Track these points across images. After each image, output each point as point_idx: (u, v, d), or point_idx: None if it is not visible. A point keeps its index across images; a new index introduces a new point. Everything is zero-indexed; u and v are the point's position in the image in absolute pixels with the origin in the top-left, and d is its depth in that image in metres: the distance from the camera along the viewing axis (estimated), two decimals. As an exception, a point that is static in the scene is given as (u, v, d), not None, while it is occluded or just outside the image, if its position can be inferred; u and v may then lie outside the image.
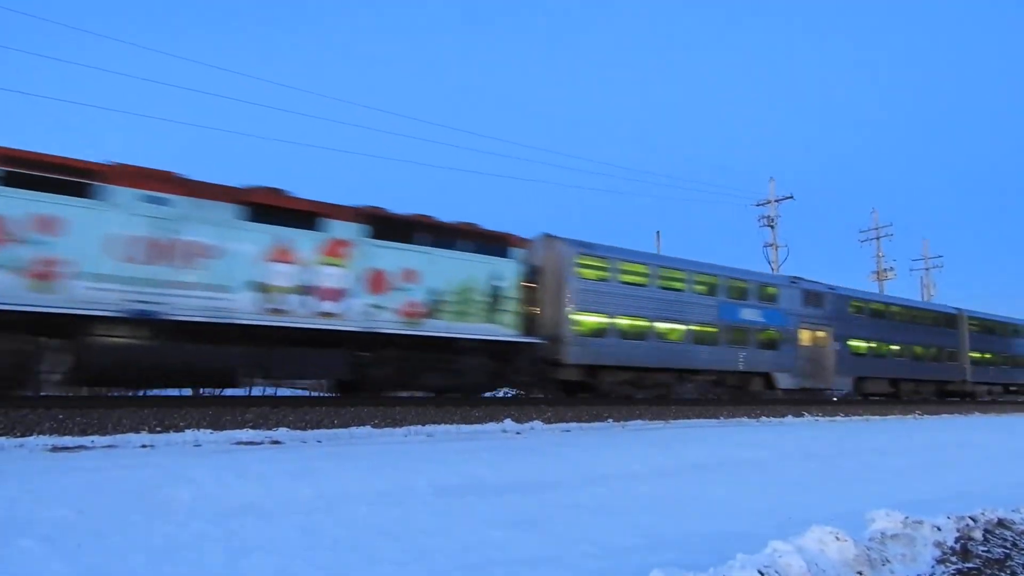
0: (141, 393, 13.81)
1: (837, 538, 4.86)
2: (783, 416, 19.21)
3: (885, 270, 42.49)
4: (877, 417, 21.79)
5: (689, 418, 17.02)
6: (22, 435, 9.36)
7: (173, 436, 9.98)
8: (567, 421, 14.81)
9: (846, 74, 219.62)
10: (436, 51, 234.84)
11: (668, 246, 41.76)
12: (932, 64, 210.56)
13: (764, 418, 18.39)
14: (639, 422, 15.57)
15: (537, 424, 13.80)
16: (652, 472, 8.65)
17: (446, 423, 13.21)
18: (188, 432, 10.36)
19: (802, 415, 19.97)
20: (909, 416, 23.09)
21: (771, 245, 36.38)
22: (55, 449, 8.59)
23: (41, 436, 9.42)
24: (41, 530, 4.92)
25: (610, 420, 15.38)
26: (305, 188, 14.33)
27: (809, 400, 23.28)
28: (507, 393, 22.90)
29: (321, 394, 15.87)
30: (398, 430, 12.16)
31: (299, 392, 18.90)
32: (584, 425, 14.40)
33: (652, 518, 6.38)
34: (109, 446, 9.03)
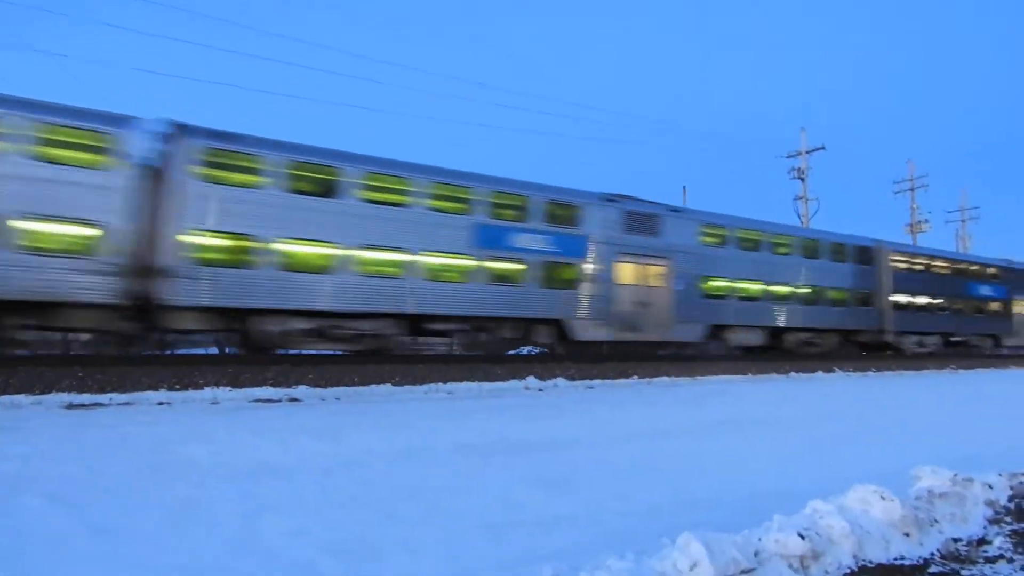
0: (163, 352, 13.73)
1: (882, 497, 4.54)
2: (813, 372, 18.80)
3: (920, 222, 41.35)
4: (911, 372, 21.27)
5: (716, 375, 16.67)
6: (41, 392, 9.31)
7: (191, 394, 9.88)
8: (591, 378, 14.55)
9: (879, 20, 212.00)
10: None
11: (695, 201, 40.83)
12: (966, 9, 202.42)
13: (794, 374, 18.00)
14: (665, 379, 15.28)
15: (560, 381, 13.57)
16: (680, 429, 8.36)
17: (468, 381, 13.01)
18: (207, 390, 10.26)
19: (832, 371, 19.54)
20: (945, 370, 22.53)
21: (801, 198, 35.45)
22: (71, 407, 8.50)
23: (60, 393, 9.36)
24: (49, 487, 4.76)
25: (635, 377, 15.10)
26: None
27: (841, 356, 22.78)
28: (531, 350, 22.72)
29: (342, 352, 15.70)
30: (419, 387, 11.98)
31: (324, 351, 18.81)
32: (609, 382, 14.14)
33: (682, 476, 6.11)
34: (126, 403, 8.94)
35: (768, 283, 22.08)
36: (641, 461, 6.53)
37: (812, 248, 23.84)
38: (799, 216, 35.21)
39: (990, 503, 5.22)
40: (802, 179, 35.58)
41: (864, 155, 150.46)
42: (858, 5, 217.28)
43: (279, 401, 9.97)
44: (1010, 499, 5.34)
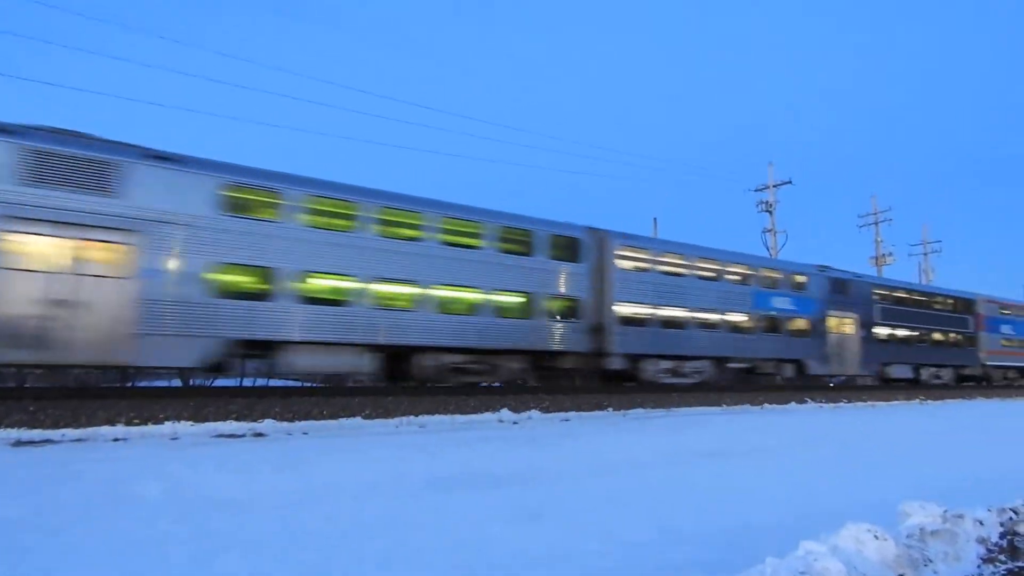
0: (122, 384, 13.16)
1: (876, 536, 4.35)
2: (786, 403, 18.78)
3: (884, 255, 42.10)
4: (882, 403, 21.38)
5: (691, 406, 16.55)
6: (-12, 428, 8.81)
7: (150, 428, 9.45)
8: (565, 410, 14.33)
9: (847, 57, 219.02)
10: (422, 30, 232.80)
11: (665, 232, 41.14)
12: (931, 47, 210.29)
13: (767, 405, 17.95)
14: (640, 411, 15.11)
15: (535, 414, 13.32)
16: (660, 460, 8.16)
17: (440, 413, 12.71)
18: (167, 424, 9.85)
19: (805, 402, 19.55)
20: (914, 401, 22.71)
21: (770, 231, 35.94)
22: (19, 443, 8.04)
23: (9, 429, 8.88)
24: (-14, 531, 4.39)
25: (610, 409, 14.90)
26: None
27: (811, 386, 22.85)
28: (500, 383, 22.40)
29: (311, 384, 15.29)
30: (390, 421, 11.67)
31: (289, 383, 18.32)
32: (583, 414, 13.92)
33: (663, 509, 5.88)
34: (79, 439, 8.49)
35: (371, 279, 14.51)
36: (620, 494, 6.29)
37: (462, 231, 16.16)
38: (767, 248, 35.67)
39: (982, 540, 5.06)
40: (770, 212, 36.14)
41: (831, 189, 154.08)
42: (828, 38, 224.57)
43: (243, 436, 9.58)
44: (1001, 536, 5.20)
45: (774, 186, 36.54)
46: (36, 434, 8.64)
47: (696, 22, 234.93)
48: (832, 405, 19.43)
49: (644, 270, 19.31)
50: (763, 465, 8.21)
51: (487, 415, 12.92)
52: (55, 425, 9.26)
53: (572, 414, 13.78)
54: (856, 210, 59.50)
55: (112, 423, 9.75)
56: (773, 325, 22.40)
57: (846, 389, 24.23)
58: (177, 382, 16.10)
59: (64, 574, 3.77)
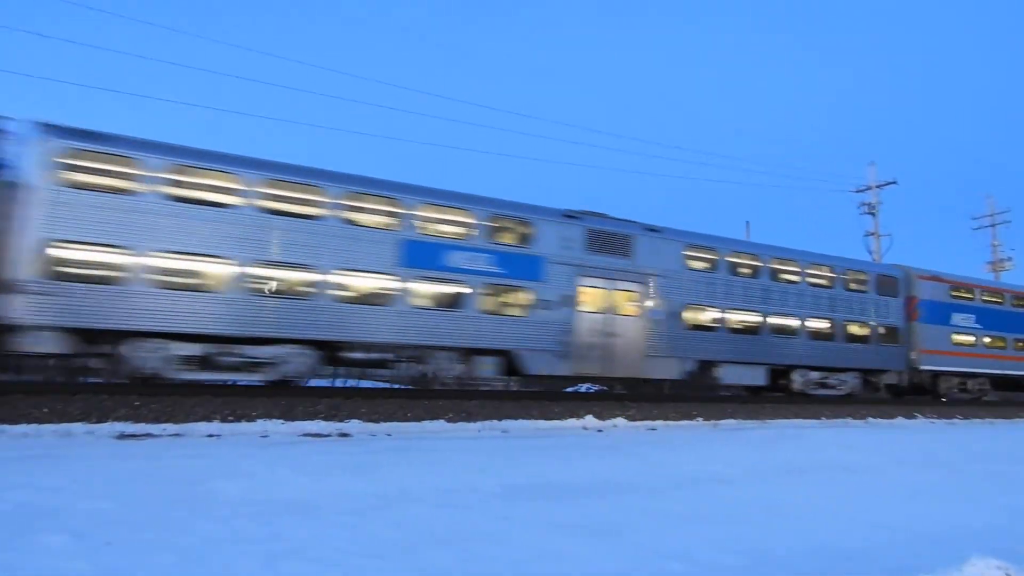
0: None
1: (1007, 574, 3.87)
2: (892, 418, 17.56)
3: (1002, 260, 38.88)
4: (1002, 420, 19.67)
5: (787, 418, 15.72)
6: (97, 421, 9.34)
7: (242, 426, 9.77)
8: (652, 419, 13.90)
9: (954, 48, 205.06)
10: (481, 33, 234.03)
11: (759, 236, 39.57)
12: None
13: (871, 419, 16.83)
14: (732, 421, 14.47)
15: (620, 421, 12.98)
16: (748, 476, 7.69)
17: (523, 418, 12.58)
18: (259, 422, 10.16)
19: (914, 416, 18.23)
20: (1039, 420, 20.76)
21: (872, 234, 33.88)
22: (122, 436, 8.47)
23: (115, 423, 9.37)
24: (74, 523, 4.56)
25: (699, 419, 14.34)
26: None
27: (923, 401, 21.31)
28: (589, 388, 22.06)
29: (396, 386, 15.53)
30: (472, 425, 11.63)
31: (377, 384, 18.69)
32: (671, 423, 13.46)
33: (750, 529, 5.50)
34: (176, 435, 8.86)
35: None
36: (705, 511, 5.94)
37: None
38: (870, 253, 33.61)
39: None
40: (872, 214, 34.06)
41: (941, 189, 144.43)
42: (932, 25, 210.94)
43: (329, 436, 9.76)
44: None
45: (877, 187, 34.42)
46: (138, 428, 9.08)
47: (784, 21, 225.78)
48: (945, 421, 18.03)
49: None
50: (858, 485, 7.60)
51: (571, 421, 12.70)
52: (156, 420, 9.71)
53: (659, 423, 13.35)
54: (971, 211, 55.33)
55: (208, 419, 10.14)
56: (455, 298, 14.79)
57: (961, 404, 22.46)
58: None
59: (138, 569, 3.84)
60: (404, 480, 6.30)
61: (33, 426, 8.66)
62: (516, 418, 12.59)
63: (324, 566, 4.02)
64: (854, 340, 20.92)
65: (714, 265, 18.39)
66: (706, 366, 17.97)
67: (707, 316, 18.04)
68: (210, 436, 9.01)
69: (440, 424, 11.60)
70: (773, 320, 19.13)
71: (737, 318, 18.59)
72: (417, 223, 14.56)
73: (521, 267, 15.77)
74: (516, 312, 15.52)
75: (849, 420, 16.30)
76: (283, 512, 5.16)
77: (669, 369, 17.13)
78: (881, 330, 21.57)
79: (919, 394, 23.01)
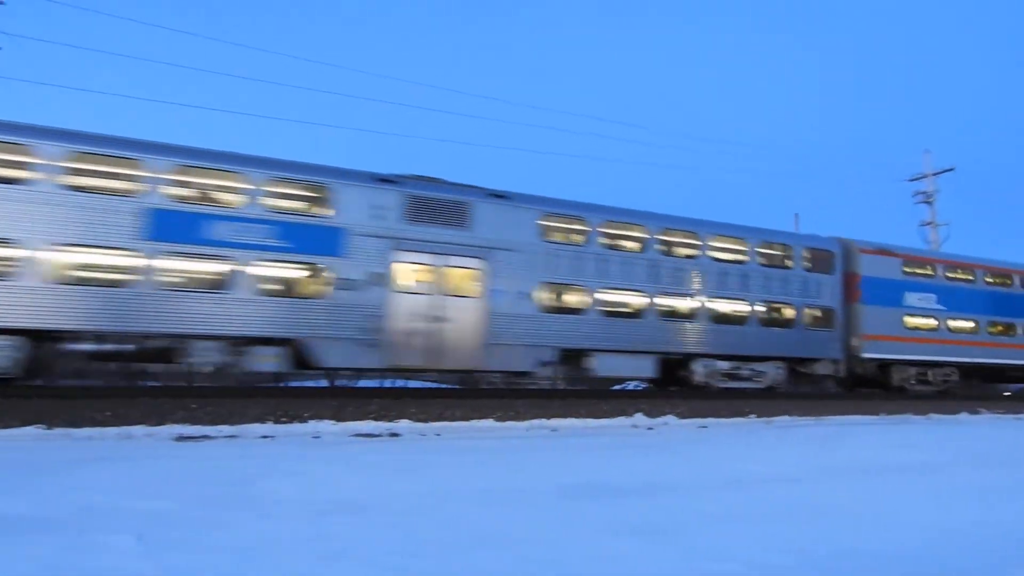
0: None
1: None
2: (955, 413, 16.92)
3: (1076, 248, 37.06)
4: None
5: (844, 414, 15.29)
6: (156, 423, 9.63)
7: (295, 427, 9.96)
8: (703, 416, 13.68)
9: (1010, 27, 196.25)
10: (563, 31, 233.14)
11: (809, 228, 38.56)
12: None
13: (933, 415, 16.25)
14: (786, 418, 14.13)
15: (671, 419, 12.81)
16: (805, 474, 7.48)
17: (572, 417, 12.52)
18: (311, 423, 10.34)
19: (978, 412, 17.53)
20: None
21: (929, 224, 32.75)
22: (181, 439, 8.71)
23: (174, 425, 9.65)
24: (135, 524, 4.69)
25: (752, 416, 14.05)
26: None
27: (988, 396, 20.48)
28: (637, 386, 21.83)
29: (446, 386, 15.65)
30: (521, 424, 11.62)
31: (427, 384, 18.85)
32: (722, 421, 13.22)
33: (808, 531, 5.34)
34: (231, 436, 9.08)
35: None
36: (759, 511, 5.80)
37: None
38: (928, 243, 32.45)
39: None
40: (929, 203, 32.91)
41: (1004, 175, 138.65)
42: (986, 9, 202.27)
43: (379, 435, 9.87)
44: None
45: (933, 175, 33.25)
46: (195, 430, 9.33)
47: (830, 11, 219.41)
48: (1013, 416, 17.29)
49: None
50: (925, 484, 7.32)
51: (620, 419, 12.59)
52: (212, 422, 9.96)
53: (710, 420, 13.13)
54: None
55: (262, 421, 10.36)
56: (221, 278, 12.85)
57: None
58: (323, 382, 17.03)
59: (196, 570, 3.92)
60: (454, 480, 6.31)
61: (97, 429, 8.98)
62: (564, 416, 12.54)
63: (376, 568, 4.04)
64: (774, 324, 17.98)
65: (584, 237, 16.04)
66: (574, 356, 15.64)
67: (572, 297, 15.73)
68: (264, 437, 9.21)
69: (488, 423, 11.64)
70: (663, 301, 16.56)
71: (614, 299, 16.17)
72: (168, 189, 12.48)
73: (312, 240, 13.39)
74: (306, 293, 13.38)
75: (910, 416, 15.77)
76: (335, 512, 5.22)
77: (517, 360, 14.80)
78: (811, 313, 18.57)
79: (871, 386, 20.58)
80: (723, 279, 17.34)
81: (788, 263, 18.59)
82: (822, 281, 18.93)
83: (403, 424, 10.82)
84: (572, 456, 7.66)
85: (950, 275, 21.59)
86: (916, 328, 20.38)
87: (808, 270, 18.78)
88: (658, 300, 16.52)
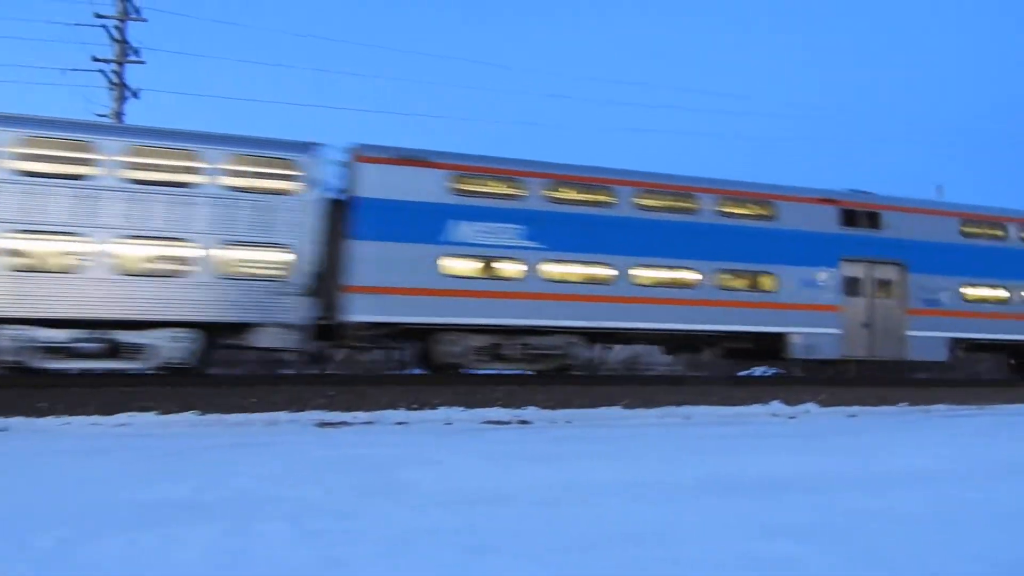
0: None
1: None
2: None
3: None
4: None
5: (1011, 403, 13.86)
6: (298, 409, 10.07)
7: (426, 413, 10.15)
8: (847, 404, 12.78)
9: None
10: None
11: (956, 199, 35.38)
12: None
13: None
14: (943, 406, 12.97)
15: (812, 407, 12.07)
16: (980, 472, 6.74)
17: (704, 404, 12.04)
18: (441, 410, 10.49)
19: None
20: None
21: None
22: (322, 424, 9.05)
23: (314, 411, 10.06)
24: (290, 509, 4.83)
25: (904, 404, 13.00)
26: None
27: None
28: (765, 371, 20.81)
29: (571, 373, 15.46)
30: (651, 411, 11.29)
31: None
32: (871, 409, 12.30)
33: (995, 536, 4.75)
34: (368, 422, 9.35)
35: None
36: (937, 513, 5.23)
37: None
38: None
39: None
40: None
41: None
42: None
43: (509, 423, 9.88)
44: None
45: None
46: (334, 416, 9.69)
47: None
48: None
49: None
50: None
51: (756, 407, 11.99)
52: (348, 408, 10.30)
53: (857, 408, 12.26)
54: None
55: (394, 407, 10.61)
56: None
57: None
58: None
59: (351, 559, 3.94)
60: (591, 471, 6.14)
61: (245, 415, 9.50)
62: (696, 403, 12.08)
63: (524, 561, 3.92)
64: (156, 275, 12.18)
65: None
66: None
67: None
68: (399, 424, 9.42)
69: (617, 410, 11.40)
70: None
71: None
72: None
73: None
74: None
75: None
76: (475, 502, 5.16)
77: None
78: (240, 256, 12.54)
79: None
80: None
81: (174, 176, 12.60)
82: (274, 206, 12.73)
83: (531, 411, 10.78)
84: (712, 446, 7.29)
85: (548, 194, 14.38)
86: (472, 277, 13.70)
87: (241, 189, 12.75)
88: None
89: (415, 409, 10.60)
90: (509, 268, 13.77)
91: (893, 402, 13.21)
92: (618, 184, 14.73)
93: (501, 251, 13.67)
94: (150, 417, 9.35)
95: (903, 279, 16.19)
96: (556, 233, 13.99)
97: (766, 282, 15.18)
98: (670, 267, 14.77)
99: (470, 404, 11.14)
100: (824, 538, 4.51)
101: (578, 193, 14.62)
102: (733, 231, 15.12)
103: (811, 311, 15.16)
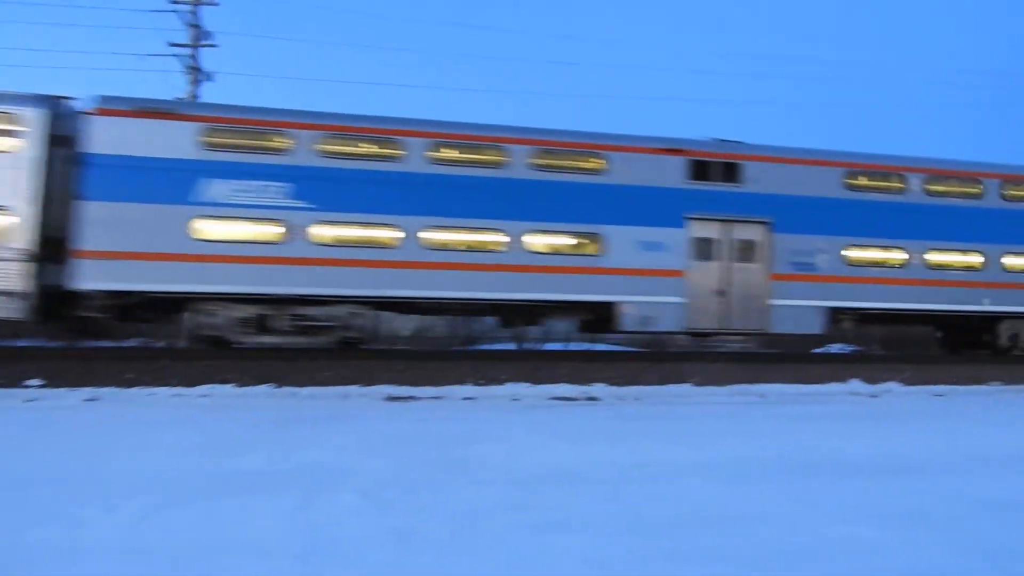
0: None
1: None
2: None
3: None
4: None
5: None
6: (368, 384, 10.23)
7: (493, 389, 10.14)
8: (932, 383, 12.14)
9: None
10: None
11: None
12: None
13: None
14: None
15: (893, 386, 11.52)
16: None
17: (779, 382, 11.65)
18: (508, 385, 10.47)
19: None
20: None
21: None
22: (391, 399, 9.16)
23: (384, 386, 10.19)
24: (360, 482, 4.88)
25: (997, 383, 12.27)
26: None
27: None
28: (842, 348, 20.07)
29: (636, 349, 15.26)
30: (721, 389, 10.99)
31: (615, 347, 18.56)
32: (959, 388, 11.65)
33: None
34: (436, 397, 9.40)
35: None
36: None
37: None
38: None
39: None
40: None
41: None
42: None
43: (576, 399, 9.78)
44: None
45: None
46: (403, 390, 9.78)
47: None
48: None
49: None
50: None
51: (834, 385, 11.52)
52: (416, 383, 10.38)
53: (944, 388, 11.62)
54: None
55: (462, 382, 10.65)
56: None
57: None
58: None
59: (418, 536, 3.94)
60: (663, 450, 5.99)
61: (318, 388, 9.70)
62: (770, 381, 11.69)
63: (594, 540, 3.84)
64: None
65: None
66: None
67: None
68: (466, 399, 9.45)
69: (686, 387, 11.15)
70: None
71: None
72: None
73: None
74: None
75: None
76: (544, 479, 5.11)
77: None
78: None
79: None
80: None
81: None
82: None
83: (598, 388, 10.63)
84: (792, 426, 7.02)
85: (325, 149, 12.72)
86: (231, 241, 12.29)
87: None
88: None
89: (482, 384, 10.61)
90: (274, 231, 12.29)
91: (983, 381, 12.49)
92: (406, 135, 12.92)
93: (264, 212, 12.23)
94: (229, 389, 9.65)
95: (767, 240, 13.78)
96: (330, 192, 12.50)
97: (590, 245, 13.23)
98: (470, 229, 12.96)
99: (537, 380, 11.08)
100: (923, 524, 4.24)
101: (356, 147, 12.94)
102: (549, 187, 13.21)
103: (646, 277, 13.23)
